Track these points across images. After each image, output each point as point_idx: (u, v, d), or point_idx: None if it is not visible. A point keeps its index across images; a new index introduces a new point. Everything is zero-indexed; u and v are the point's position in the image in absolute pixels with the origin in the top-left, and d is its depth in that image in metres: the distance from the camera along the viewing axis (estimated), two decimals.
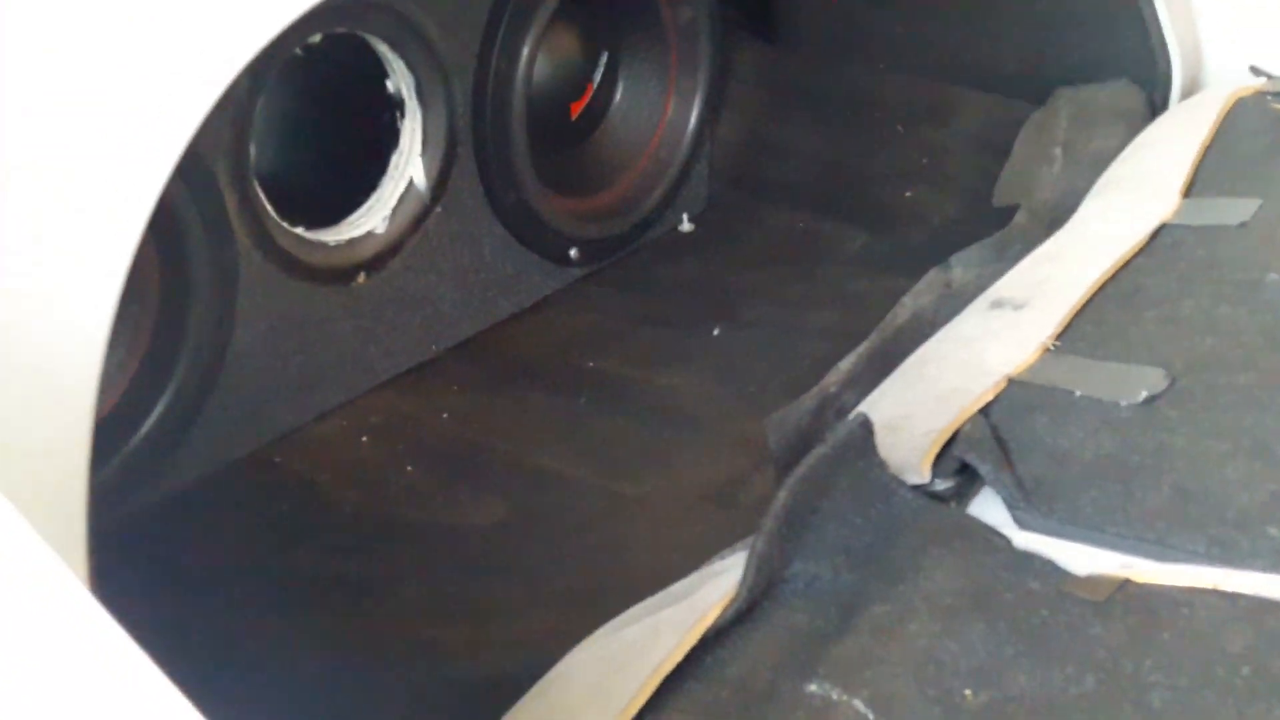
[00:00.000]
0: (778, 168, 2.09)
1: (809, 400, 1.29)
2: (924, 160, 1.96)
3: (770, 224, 2.02)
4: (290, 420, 1.60)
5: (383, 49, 1.61)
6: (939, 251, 1.83)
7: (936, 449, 1.16)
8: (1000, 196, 1.75)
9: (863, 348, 1.38)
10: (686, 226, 2.08)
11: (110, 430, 1.39)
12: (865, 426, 1.09)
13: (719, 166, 2.11)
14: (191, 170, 1.38)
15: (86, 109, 0.95)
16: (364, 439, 1.60)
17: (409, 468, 1.54)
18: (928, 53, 1.98)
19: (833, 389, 1.31)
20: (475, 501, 1.46)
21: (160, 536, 1.36)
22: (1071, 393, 1.22)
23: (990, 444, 1.16)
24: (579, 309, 1.87)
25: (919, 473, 1.14)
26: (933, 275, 1.51)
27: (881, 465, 1.11)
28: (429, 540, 1.40)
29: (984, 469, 1.14)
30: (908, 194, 1.95)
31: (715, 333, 1.73)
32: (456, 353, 1.77)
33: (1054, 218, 1.65)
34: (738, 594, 0.94)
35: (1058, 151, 1.74)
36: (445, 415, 1.64)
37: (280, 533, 1.41)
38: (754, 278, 1.87)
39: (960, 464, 1.15)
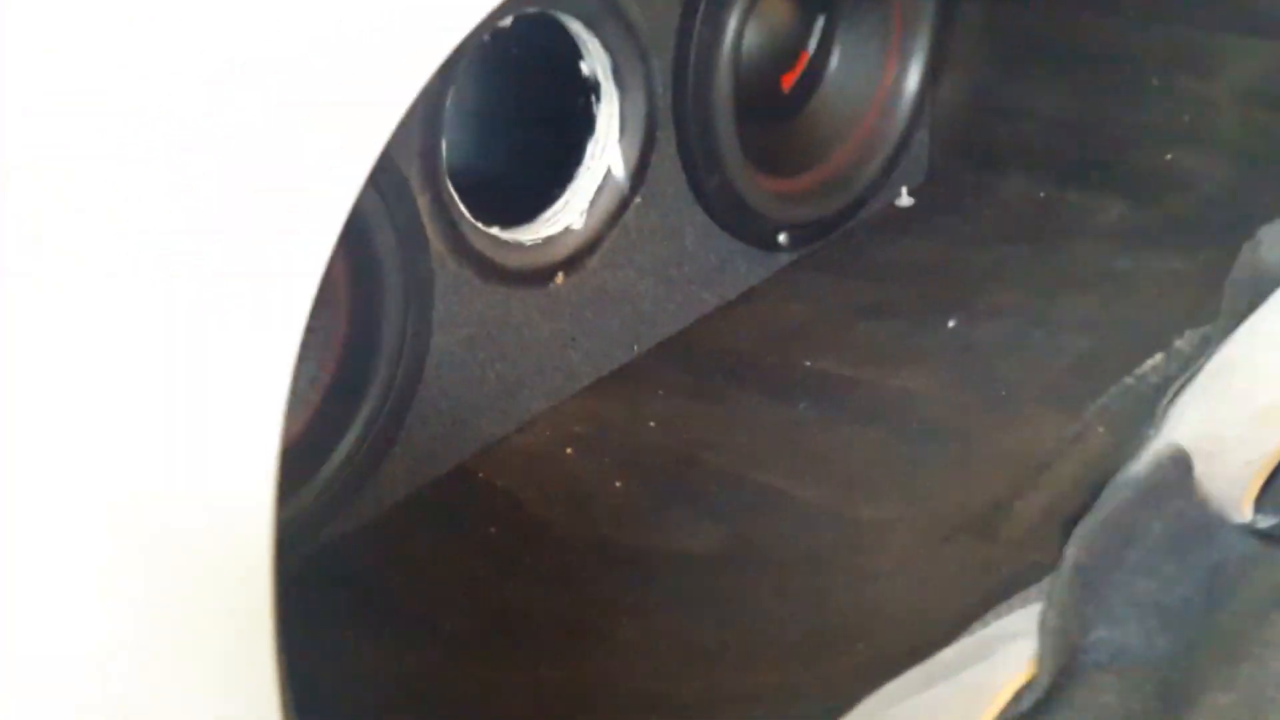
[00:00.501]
0: (1010, 131, 1.86)
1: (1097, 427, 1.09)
2: (1186, 117, 1.71)
3: (1004, 195, 1.80)
4: (493, 431, 1.50)
5: (576, 28, 1.48)
6: (1211, 223, 1.59)
7: (1261, 480, 0.95)
8: None
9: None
10: (905, 201, 1.88)
11: (301, 455, 1.31)
12: (1179, 460, 0.90)
13: (941, 132, 1.90)
14: (382, 173, 1.28)
15: (274, 107, 0.84)
16: (569, 450, 1.49)
17: (618, 483, 1.42)
18: None
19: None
20: (692, 525, 1.32)
21: (361, 569, 1.28)
22: None
23: None
24: (791, 299, 1.70)
25: (1239, 510, 0.94)
26: (1246, 254, 1.28)
27: (1203, 504, 0.91)
28: (644, 570, 1.27)
29: None
30: (1169, 156, 1.70)
31: (951, 324, 1.54)
32: (660, 353, 1.64)
33: None
34: (1034, 678, 0.77)
35: None
36: (652, 423, 1.51)
37: (489, 559, 1.32)
38: (990, 258, 1.66)
39: None
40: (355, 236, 1.28)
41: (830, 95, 1.78)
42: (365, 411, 1.35)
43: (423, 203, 1.35)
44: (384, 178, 1.29)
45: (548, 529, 1.34)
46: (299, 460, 1.32)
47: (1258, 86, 1.65)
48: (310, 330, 1.27)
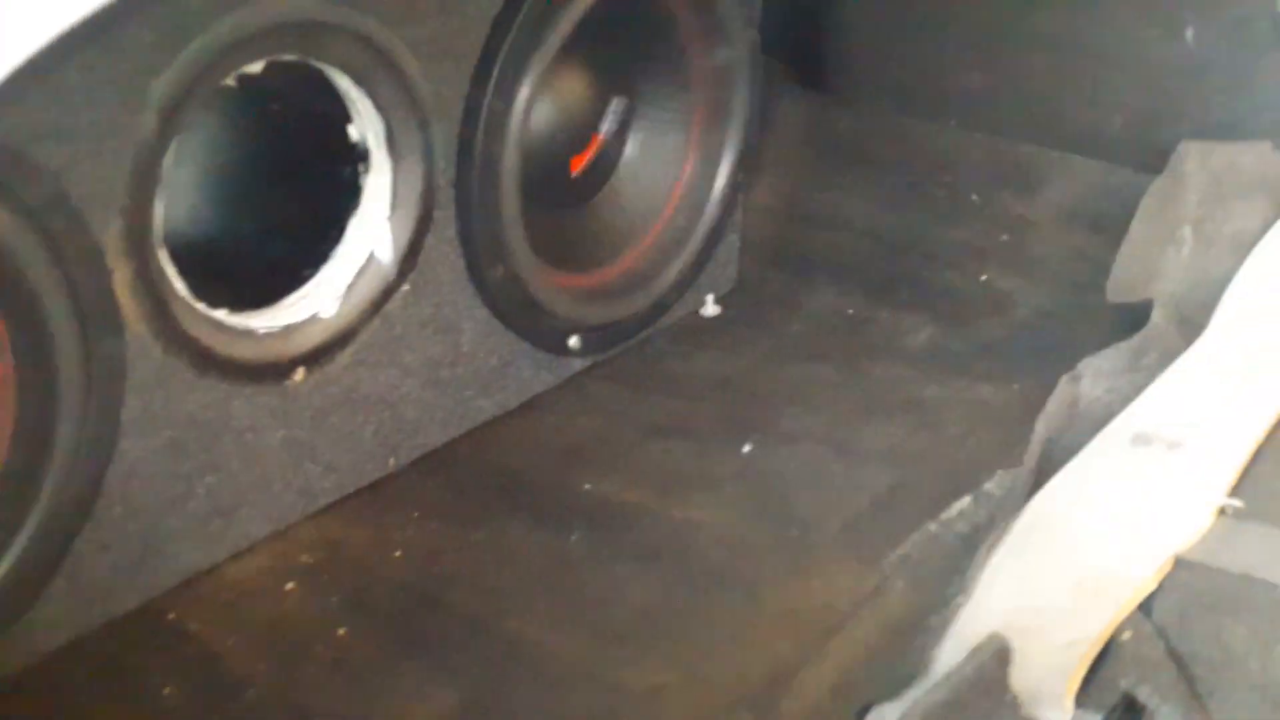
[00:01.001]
0: (823, 242, 1.74)
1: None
2: (1004, 236, 1.62)
3: (814, 309, 1.66)
4: (194, 561, 1.23)
5: (345, 84, 1.26)
6: (1025, 351, 1.49)
7: (1084, 668, 0.81)
8: (1116, 289, 1.40)
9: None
10: (711, 310, 1.72)
11: None
12: (1000, 655, 0.73)
13: (752, 238, 1.76)
14: (67, 233, 1.03)
15: None
16: (290, 586, 1.23)
17: (341, 630, 1.17)
18: (1011, 108, 1.64)
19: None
20: (421, 685, 1.09)
21: None
22: (1272, 584, 0.87)
23: (1161, 661, 0.81)
24: (578, 412, 1.51)
25: (1060, 705, 0.78)
26: (1063, 388, 1.15)
27: (1013, 703, 0.75)
28: None
29: (1153, 699, 0.79)
30: (984, 277, 1.61)
31: (746, 449, 1.37)
32: (420, 467, 1.40)
33: (1184, 315, 1.31)
34: None
35: (1187, 231, 1.39)
36: (398, 553, 1.27)
37: None
38: (794, 377, 1.51)
39: (1120, 692, 0.79)
40: (19, 307, 1.02)
41: (624, 185, 1.62)
42: (24, 532, 1.07)
43: (121, 274, 1.09)
44: (67, 238, 1.03)
45: (240, 691, 1.08)
46: None
47: (1080, 207, 1.59)
48: None
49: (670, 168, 1.61)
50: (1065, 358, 1.28)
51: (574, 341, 1.56)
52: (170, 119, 1.10)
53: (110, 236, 1.08)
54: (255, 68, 1.19)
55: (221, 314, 1.23)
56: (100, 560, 1.14)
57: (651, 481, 1.34)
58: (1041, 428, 1.12)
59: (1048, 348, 1.41)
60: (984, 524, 1.12)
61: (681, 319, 1.69)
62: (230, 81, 1.19)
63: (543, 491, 1.35)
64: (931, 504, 1.20)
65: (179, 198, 1.25)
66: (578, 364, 1.59)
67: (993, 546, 1.00)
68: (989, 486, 1.18)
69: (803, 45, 1.85)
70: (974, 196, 1.65)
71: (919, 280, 1.62)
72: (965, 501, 1.18)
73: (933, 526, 1.16)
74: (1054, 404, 1.18)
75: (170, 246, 1.17)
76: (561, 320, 1.52)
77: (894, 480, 1.23)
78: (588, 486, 1.35)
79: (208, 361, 1.19)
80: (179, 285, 1.18)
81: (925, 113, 1.71)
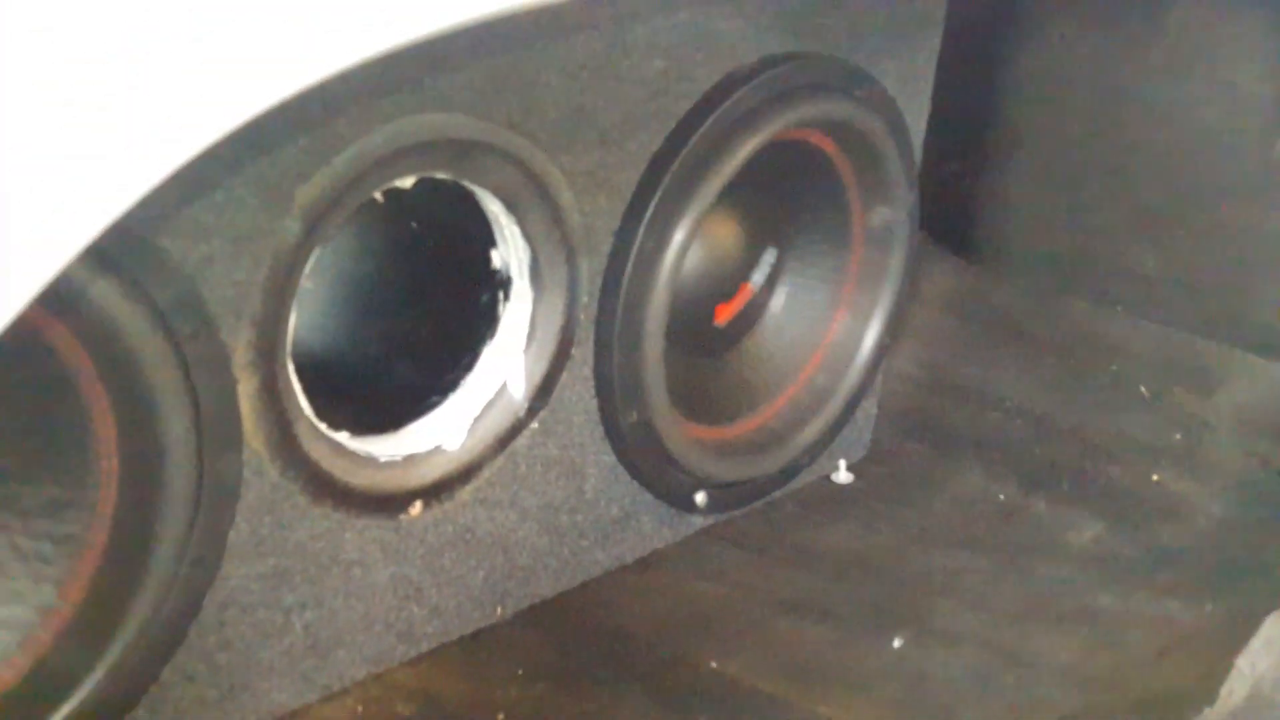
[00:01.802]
0: (970, 417, 1.62)
1: None
2: (1177, 436, 1.48)
3: (958, 491, 1.53)
4: (284, 700, 1.12)
5: (494, 208, 1.20)
6: (1211, 566, 1.33)
7: None
8: None
9: None
10: (843, 477, 1.61)
11: (19, 707, 0.93)
12: None
13: (890, 406, 1.65)
14: (193, 338, 0.96)
15: None
16: None
17: None
18: (1186, 299, 1.52)
19: None
20: None
21: None
22: None
23: None
24: (700, 576, 1.39)
25: None
26: (1271, 627, 1.00)
27: None
28: None
29: None
30: (1155, 477, 1.46)
31: (897, 644, 1.23)
32: (528, 619, 1.29)
33: None
34: None
35: None
36: (500, 716, 1.15)
37: None
38: (944, 565, 1.37)
39: None
40: (134, 411, 0.94)
41: (768, 338, 1.53)
42: (109, 657, 0.97)
43: (246, 387, 1.02)
44: (194, 343, 0.96)
45: None
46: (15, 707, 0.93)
47: (1262, 412, 1.44)
48: (55, 539, 0.92)
49: (817, 325, 1.52)
50: (1258, 579, 1.14)
51: (700, 498, 1.45)
52: (314, 228, 1.04)
53: (239, 345, 1.01)
54: (405, 183, 1.13)
55: (343, 437, 1.14)
56: (186, 692, 1.04)
57: (786, 668, 1.20)
58: (1243, 665, 0.97)
59: (1236, 564, 1.27)
60: None
61: (811, 483, 1.58)
62: (377, 195, 1.14)
63: (660, 663, 1.23)
64: None
65: (311, 310, 1.19)
66: (700, 522, 1.48)
67: None
68: None
69: (956, 214, 1.77)
70: (1143, 389, 1.52)
71: (1080, 473, 1.49)
72: None
73: None
74: (1258, 640, 1.03)
75: (299, 362, 1.10)
76: (690, 474, 1.42)
77: (1080, 704, 1.08)
78: (713, 664, 1.22)
79: (324, 488, 1.10)
80: (303, 403, 1.10)
81: (1088, 294, 1.61)
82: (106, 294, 0.90)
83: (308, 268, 1.07)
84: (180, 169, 0.67)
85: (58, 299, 0.87)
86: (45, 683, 0.94)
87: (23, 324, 0.88)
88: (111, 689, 0.97)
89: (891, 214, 1.50)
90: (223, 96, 0.63)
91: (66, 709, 0.95)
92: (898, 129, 1.46)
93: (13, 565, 0.95)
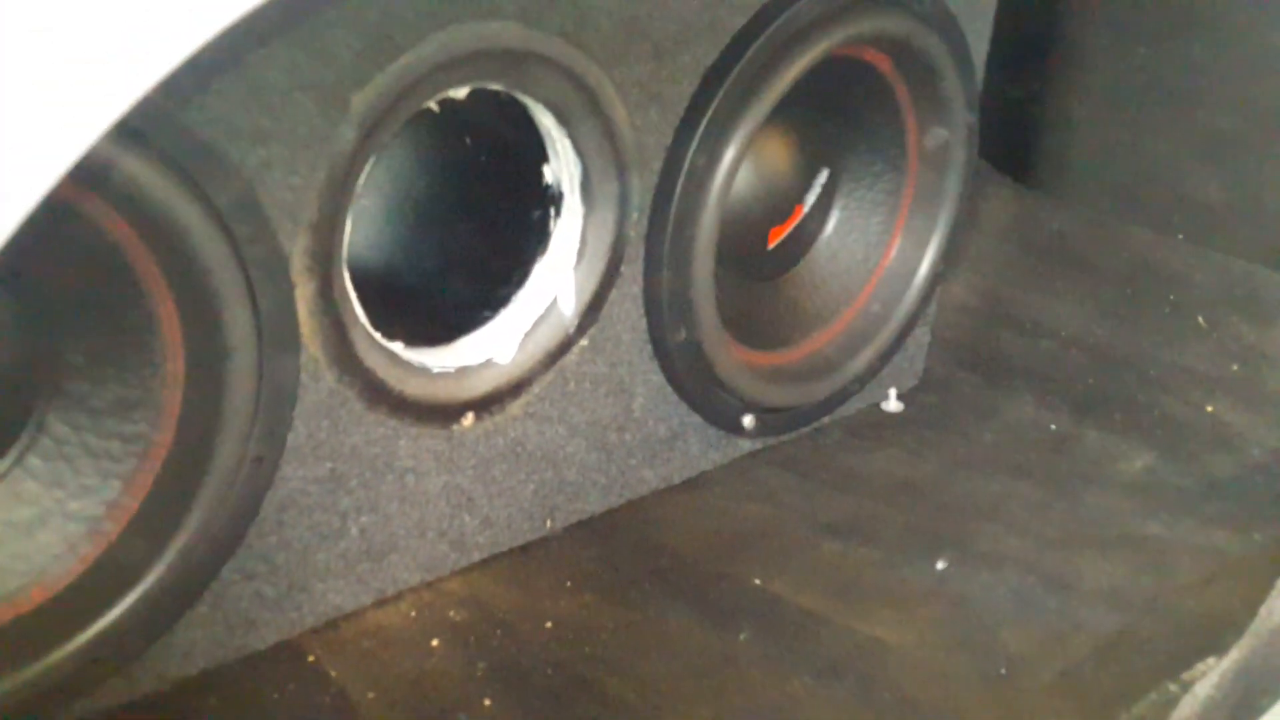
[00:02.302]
0: (1024, 347, 1.60)
1: None
2: (1234, 366, 1.46)
3: (1009, 420, 1.52)
4: (339, 602, 1.15)
5: (547, 122, 1.20)
6: (1263, 497, 1.32)
7: None
8: None
9: (1226, 663, 0.86)
10: (893, 405, 1.60)
11: (73, 605, 0.96)
12: None
13: (943, 335, 1.64)
14: (252, 241, 0.97)
15: None
16: (435, 642, 1.14)
17: (486, 700, 1.07)
18: (1250, 228, 1.49)
19: None
20: None
21: None
22: None
23: None
24: (747, 497, 1.39)
25: None
26: None
27: None
28: None
29: None
30: (1209, 408, 1.44)
31: (940, 566, 1.23)
32: (577, 534, 1.31)
33: None
34: None
35: None
36: (549, 624, 1.17)
37: None
38: (990, 492, 1.37)
39: None
40: (199, 311, 0.96)
41: (821, 263, 1.51)
42: (172, 551, 1.00)
43: (304, 292, 1.03)
44: (254, 245, 0.97)
45: None
46: (69, 612, 0.96)
47: None
48: (123, 437, 0.95)
49: (872, 250, 1.51)
50: None
51: (748, 421, 1.45)
52: (370, 135, 1.04)
53: (296, 250, 1.02)
54: (459, 93, 1.13)
55: (397, 347, 1.16)
56: (246, 589, 1.07)
57: (829, 587, 1.21)
58: None
59: None
60: (1242, 698, 0.95)
61: (860, 411, 1.57)
62: (433, 105, 1.14)
63: (706, 580, 1.24)
64: (1167, 660, 1.04)
65: (365, 220, 1.20)
66: (747, 445, 1.48)
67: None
68: (1235, 654, 1.02)
69: (1015, 138, 1.74)
70: (1201, 319, 1.49)
71: (1134, 403, 1.47)
72: (1211, 663, 1.01)
73: (1173, 686, 1.00)
74: None
75: (354, 269, 1.11)
76: (738, 397, 1.42)
77: (1120, 626, 1.07)
78: (757, 582, 1.22)
79: (378, 395, 1.12)
80: (359, 311, 1.12)
81: (1150, 221, 1.58)
82: (168, 194, 0.91)
83: (363, 179, 1.08)
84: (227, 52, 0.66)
85: (121, 196, 0.89)
86: (111, 573, 0.97)
87: (87, 219, 0.90)
88: (174, 582, 1.00)
89: (948, 135, 1.47)
90: None
91: (131, 598, 0.98)
92: (958, 47, 1.43)
93: (83, 461, 0.97)
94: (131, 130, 0.88)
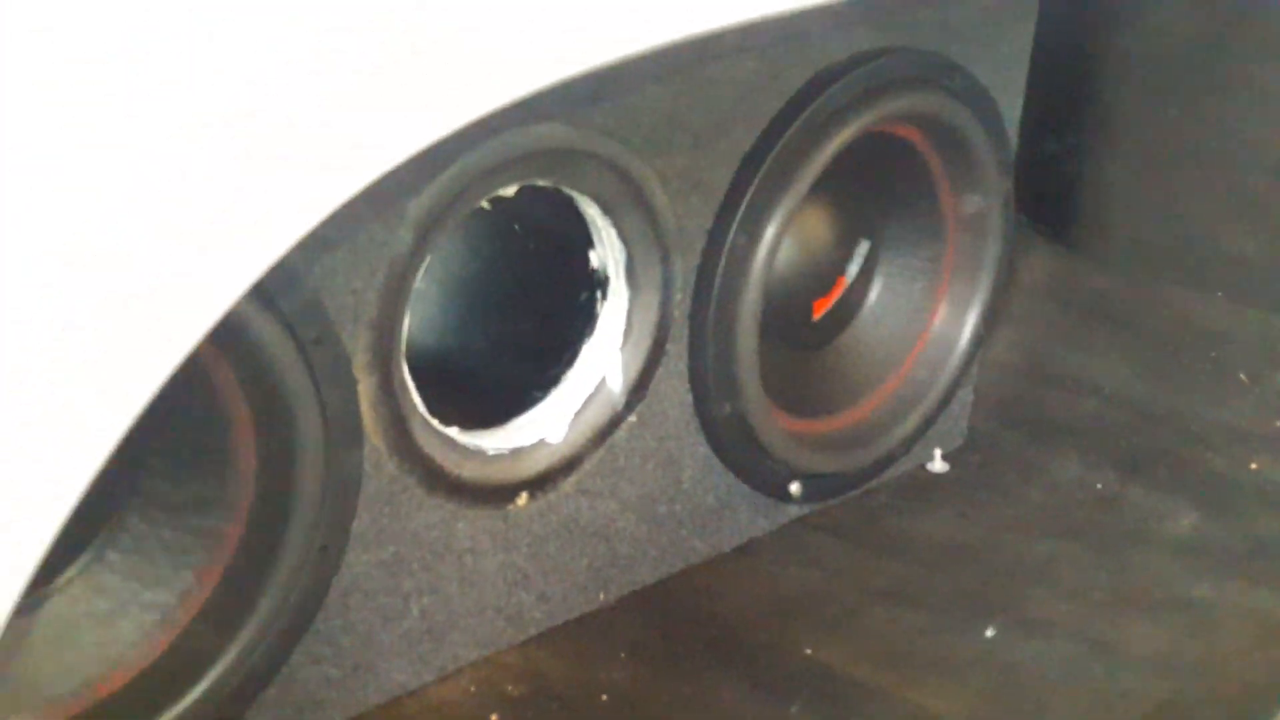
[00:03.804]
0: (1067, 406, 1.62)
1: None
2: (1277, 422, 1.47)
3: (1055, 479, 1.54)
4: (403, 681, 1.20)
5: (592, 212, 1.25)
6: None
7: None
8: None
9: None
10: (939, 466, 1.63)
11: (144, 692, 1.01)
12: None
13: (986, 395, 1.66)
14: (317, 343, 1.03)
15: None
16: (494, 716, 1.18)
17: None
18: None
19: None
20: None
21: None
22: None
23: None
24: (796, 563, 1.42)
25: None
26: None
27: None
28: None
29: None
30: (1253, 465, 1.45)
31: (990, 634, 1.25)
32: (630, 605, 1.34)
33: None
34: None
35: None
36: (605, 697, 1.21)
37: None
38: (1039, 555, 1.39)
39: None
40: (270, 413, 1.02)
41: (865, 332, 1.55)
42: (242, 639, 1.05)
43: (366, 387, 1.09)
44: (319, 348, 1.03)
45: None
46: (146, 698, 1.02)
47: None
48: (197, 532, 1.00)
49: (916, 317, 1.54)
50: None
51: (795, 488, 1.48)
52: (425, 237, 1.10)
53: (358, 349, 1.08)
54: (508, 191, 1.19)
55: (454, 432, 1.21)
56: (314, 672, 1.11)
57: (880, 655, 1.23)
58: None
59: None
60: None
61: (907, 472, 1.60)
62: (484, 204, 1.19)
63: (758, 649, 1.27)
64: None
65: (421, 311, 1.26)
66: (795, 511, 1.51)
67: None
68: None
69: (1052, 198, 1.76)
70: (1242, 375, 1.50)
71: (1178, 460, 1.48)
72: None
73: None
74: None
75: (412, 362, 1.17)
76: (785, 465, 1.45)
77: (1168, 693, 1.09)
78: (808, 651, 1.25)
79: (437, 480, 1.17)
80: (417, 400, 1.17)
81: (1188, 280, 1.59)
82: (242, 306, 0.97)
83: (420, 275, 1.14)
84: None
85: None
86: (185, 659, 1.03)
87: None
88: (245, 668, 1.05)
89: (984, 202, 1.51)
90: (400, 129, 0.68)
91: (205, 684, 1.03)
92: (988, 117, 1.47)
93: (158, 554, 1.03)
94: None
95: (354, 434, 1.08)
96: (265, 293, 0.97)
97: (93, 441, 0.61)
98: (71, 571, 1.02)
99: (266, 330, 0.98)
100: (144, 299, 0.63)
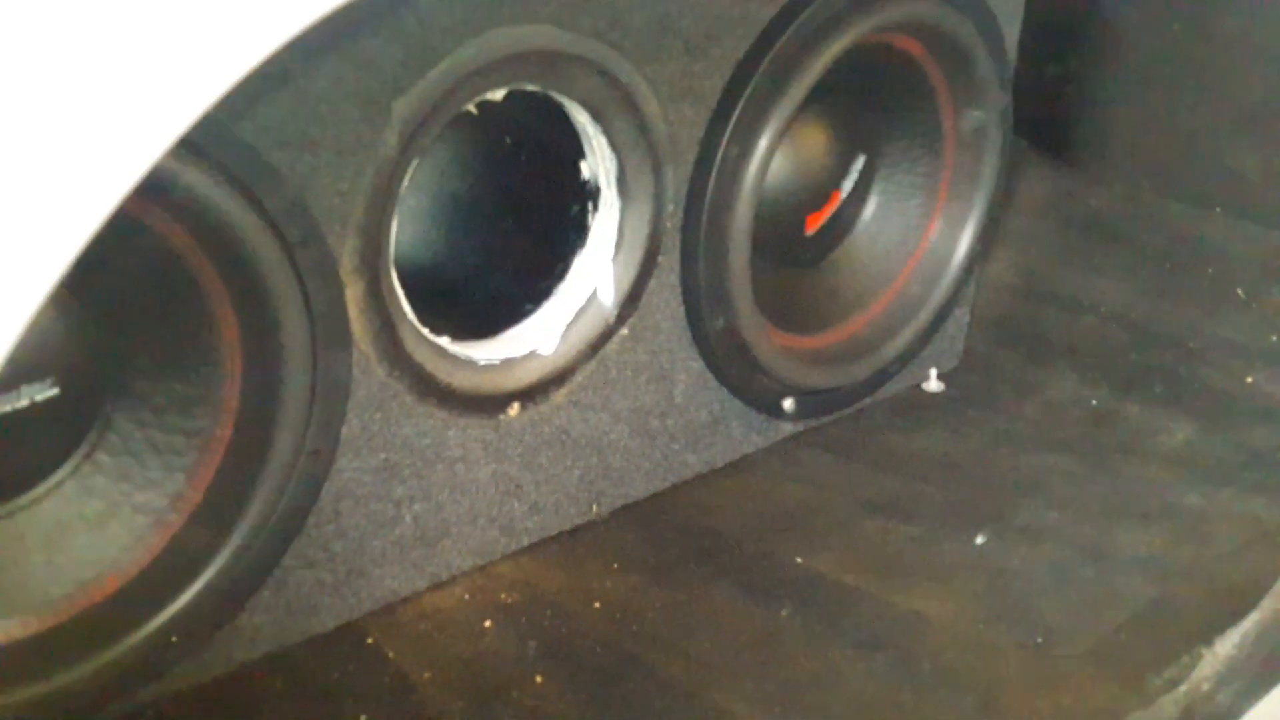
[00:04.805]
0: (1064, 324, 1.61)
1: (1169, 706, 0.80)
2: (1274, 337, 1.46)
3: (1050, 396, 1.53)
4: (397, 587, 1.20)
5: (582, 119, 1.23)
6: None
7: None
8: None
9: (1247, 623, 0.88)
10: (934, 385, 1.62)
11: (143, 593, 1.02)
12: None
13: (983, 314, 1.66)
14: (303, 245, 1.02)
15: None
16: (488, 623, 1.19)
17: (538, 678, 1.11)
18: None
19: (1205, 686, 0.82)
20: None
21: None
22: None
23: None
24: (788, 478, 1.42)
25: None
26: None
27: None
28: None
29: None
30: (1249, 379, 1.44)
31: (979, 540, 1.26)
32: (623, 518, 1.35)
33: None
34: None
35: None
36: (597, 605, 1.21)
37: None
38: (1031, 467, 1.39)
39: None
40: (255, 312, 1.01)
41: (859, 247, 1.54)
42: (235, 540, 1.05)
43: (353, 291, 1.08)
44: (304, 249, 1.02)
45: None
46: (141, 599, 1.03)
47: None
48: (186, 433, 1.00)
49: (911, 233, 1.53)
50: None
51: (789, 404, 1.48)
52: (412, 139, 1.09)
53: (345, 252, 1.07)
54: (497, 95, 1.17)
55: (444, 341, 1.20)
56: (306, 576, 1.12)
57: (870, 563, 1.24)
58: None
59: None
60: (1268, 656, 0.98)
61: (901, 392, 1.59)
62: (471, 108, 1.18)
63: (750, 559, 1.27)
64: (1203, 626, 1.05)
65: (410, 221, 1.25)
66: (789, 428, 1.51)
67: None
68: (1269, 615, 1.04)
69: (1051, 117, 1.74)
70: (1240, 290, 1.49)
71: (1174, 376, 1.47)
72: (1245, 626, 1.03)
73: (1204, 650, 1.02)
74: None
75: (401, 268, 1.16)
76: (778, 381, 1.45)
77: (1156, 594, 1.09)
78: (799, 560, 1.26)
79: (427, 388, 1.17)
80: (406, 308, 1.16)
81: (1188, 196, 1.58)
82: (224, 203, 0.96)
83: (407, 180, 1.13)
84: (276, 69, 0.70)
85: (181, 206, 0.94)
86: (177, 562, 1.03)
87: (150, 229, 0.95)
88: (238, 570, 1.06)
89: (984, 117, 1.49)
90: None
91: (197, 586, 1.03)
92: (989, 29, 1.45)
93: (148, 456, 1.03)
94: (188, 143, 0.93)
95: (342, 338, 1.07)
96: (246, 187, 0.97)
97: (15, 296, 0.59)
98: (62, 473, 1.02)
99: (249, 227, 0.98)
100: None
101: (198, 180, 0.94)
